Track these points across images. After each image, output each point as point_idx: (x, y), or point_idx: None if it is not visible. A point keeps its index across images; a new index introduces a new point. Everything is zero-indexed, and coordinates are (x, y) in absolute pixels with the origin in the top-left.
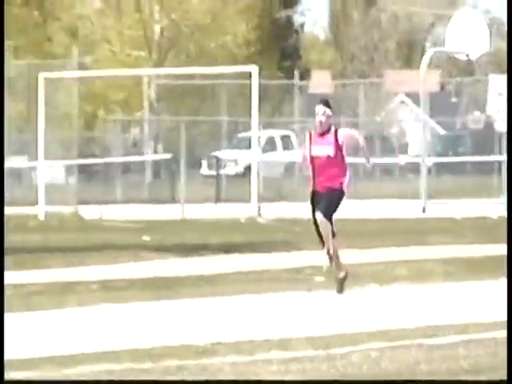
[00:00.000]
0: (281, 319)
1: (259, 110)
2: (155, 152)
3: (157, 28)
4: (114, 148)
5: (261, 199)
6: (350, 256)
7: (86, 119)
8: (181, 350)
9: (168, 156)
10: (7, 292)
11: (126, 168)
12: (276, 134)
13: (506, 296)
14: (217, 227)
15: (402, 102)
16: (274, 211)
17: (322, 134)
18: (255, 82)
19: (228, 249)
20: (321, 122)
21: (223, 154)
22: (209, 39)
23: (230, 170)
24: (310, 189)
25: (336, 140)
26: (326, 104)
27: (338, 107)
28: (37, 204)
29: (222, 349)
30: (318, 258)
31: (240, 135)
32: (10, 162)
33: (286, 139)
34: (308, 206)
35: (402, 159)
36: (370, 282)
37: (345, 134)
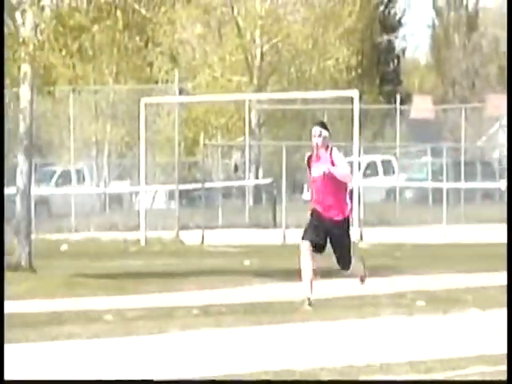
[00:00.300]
0: (382, 344)
1: (360, 134)
2: (256, 177)
3: (258, 53)
4: (215, 173)
5: (362, 224)
6: (450, 280)
7: (187, 144)
8: (282, 375)
9: (269, 181)
10: (109, 317)
11: (228, 193)
12: (377, 158)
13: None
14: None
15: (504, 127)
16: (375, 236)
17: (319, 156)
18: (356, 106)
19: (329, 274)
20: (317, 144)
21: None
22: (310, 64)
23: None
24: (309, 211)
25: (331, 159)
26: (322, 125)
27: (439, 132)
28: (138, 229)
29: (324, 374)
30: (419, 282)
31: None
32: (112, 187)
33: (387, 164)
34: (408, 231)
35: (503, 184)
36: (471, 306)
37: (340, 156)
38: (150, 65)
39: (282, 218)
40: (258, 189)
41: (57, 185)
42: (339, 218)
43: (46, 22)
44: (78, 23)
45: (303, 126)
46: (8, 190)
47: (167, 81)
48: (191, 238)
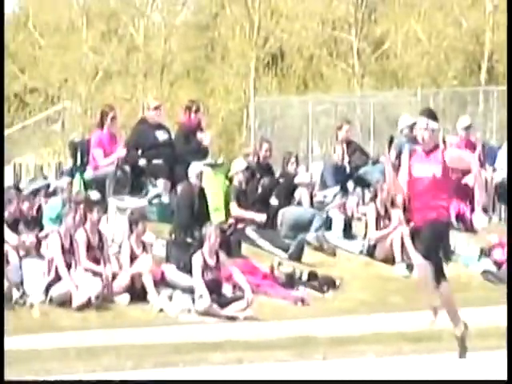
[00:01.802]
0: None
1: None
2: None
3: None
4: None
5: None
6: None
7: None
8: None
9: None
10: None
11: None
12: None
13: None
14: None
15: None
16: None
17: (428, 153)
18: None
19: None
20: (423, 138)
21: None
22: None
23: None
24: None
25: (444, 160)
26: (430, 115)
27: None
28: None
29: None
30: None
31: None
32: None
33: None
34: None
35: None
36: None
37: (454, 154)
38: None
39: None
40: None
41: None
42: (440, 218)
43: None
44: None
45: None
46: None
47: None
48: None
